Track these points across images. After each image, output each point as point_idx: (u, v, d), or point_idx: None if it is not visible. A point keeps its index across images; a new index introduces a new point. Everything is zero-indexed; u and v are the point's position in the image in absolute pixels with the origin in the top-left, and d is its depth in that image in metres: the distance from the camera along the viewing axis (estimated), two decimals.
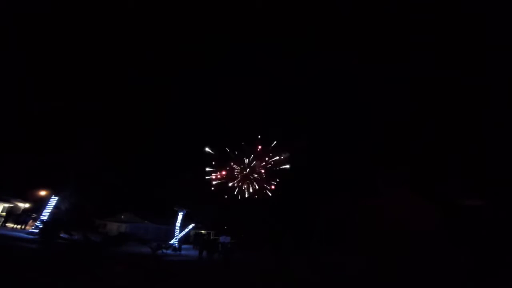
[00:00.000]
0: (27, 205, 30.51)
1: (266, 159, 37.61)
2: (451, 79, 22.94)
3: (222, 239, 28.86)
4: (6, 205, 29.72)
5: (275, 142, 36.60)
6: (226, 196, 36.07)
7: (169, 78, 33.07)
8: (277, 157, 37.32)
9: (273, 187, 36.75)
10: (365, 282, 2.42)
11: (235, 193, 37.48)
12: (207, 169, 37.24)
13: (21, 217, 25.96)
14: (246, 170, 37.90)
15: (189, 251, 24.57)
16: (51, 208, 23.07)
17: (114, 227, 27.37)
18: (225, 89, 32.86)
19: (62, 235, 18.58)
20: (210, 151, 36.34)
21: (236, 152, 37.96)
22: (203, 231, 32.71)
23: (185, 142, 35.94)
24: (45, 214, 22.61)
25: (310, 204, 26.92)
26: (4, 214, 27.76)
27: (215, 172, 37.42)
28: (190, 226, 28.95)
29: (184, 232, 27.92)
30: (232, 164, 38.17)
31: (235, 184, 37.84)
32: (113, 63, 31.22)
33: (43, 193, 29.12)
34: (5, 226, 25.08)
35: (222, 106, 34.29)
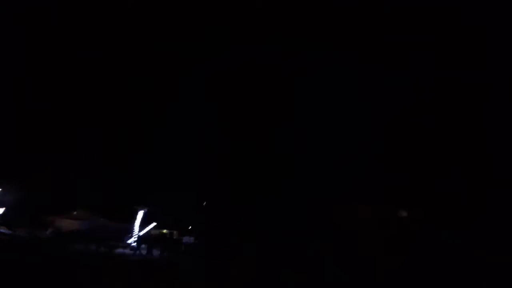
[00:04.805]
0: None
1: None
2: (451, 79, 23.78)
3: (185, 239, 27.84)
4: None
5: None
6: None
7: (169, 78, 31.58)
8: None
9: None
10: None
11: None
12: None
13: None
14: None
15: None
16: None
17: (65, 224, 24.97)
18: (224, 89, 31.97)
19: (1, 230, 16.62)
20: None
21: None
22: (165, 231, 31.29)
23: (157, 139, 34.29)
24: None
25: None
26: None
27: None
28: (151, 225, 27.59)
29: (144, 231, 26.54)
30: None
31: None
32: (112, 62, 29.33)
33: None
34: None
35: (220, 106, 33.26)
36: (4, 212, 21.44)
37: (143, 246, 22.54)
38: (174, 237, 27.94)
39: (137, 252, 21.49)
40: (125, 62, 28.87)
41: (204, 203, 31.06)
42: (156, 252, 21.21)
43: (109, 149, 33.99)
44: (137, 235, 24.95)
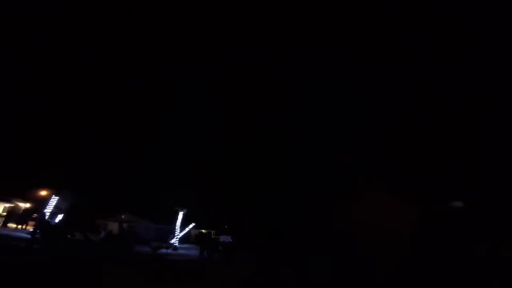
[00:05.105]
0: (27, 205, 30.54)
1: None
2: (451, 79, 22.91)
3: (222, 238, 28.92)
4: (7, 205, 29.78)
5: None
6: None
7: (170, 78, 32.88)
8: None
9: None
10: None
11: None
12: None
13: (22, 217, 25.99)
14: None
15: (190, 251, 24.61)
16: (52, 208, 23.10)
17: (114, 227, 27.38)
18: (223, 89, 32.70)
19: (62, 235, 18.70)
20: None
21: None
22: (203, 231, 32.81)
23: (186, 142, 35.85)
24: (45, 214, 22.64)
25: (302, 203, 26.90)
26: (5, 214, 27.80)
27: None
28: (191, 226, 28.99)
29: (184, 232, 27.97)
30: None
31: None
32: (113, 62, 31.09)
33: (43, 193, 29.19)
34: (6, 226, 25.12)
35: (221, 106, 34.11)
36: (63, 218, 23.98)
37: (184, 246, 23.95)
38: (212, 237, 29.20)
39: (177, 252, 22.99)
40: (125, 62, 29.77)
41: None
42: (195, 252, 22.41)
43: (150, 155, 36.10)
44: (178, 236, 26.43)
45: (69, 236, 17.86)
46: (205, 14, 27.98)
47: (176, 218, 27.41)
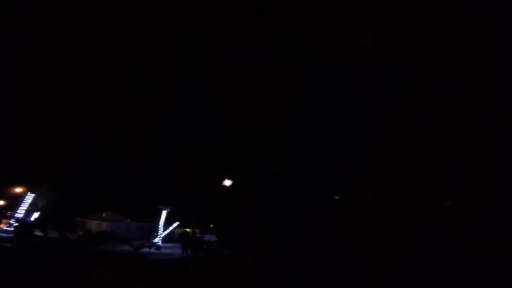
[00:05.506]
0: (1, 202, 29.10)
1: None
2: (451, 79, 23.21)
3: (207, 237, 28.46)
4: None
5: None
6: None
7: (170, 78, 32.40)
8: None
9: None
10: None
11: None
12: None
13: None
14: None
15: (174, 250, 24.00)
16: (27, 206, 22.04)
17: (94, 225, 26.42)
18: (223, 89, 32.37)
19: (36, 233, 17.81)
20: None
21: None
22: (188, 229, 32.23)
23: (172, 141, 35.21)
24: (20, 212, 21.60)
25: (293, 204, 26.81)
26: None
27: None
28: (175, 225, 28.38)
29: (168, 230, 27.35)
30: None
31: None
32: (113, 62, 30.33)
33: (18, 190, 27.85)
34: None
35: (220, 107, 33.74)
36: (39, 216, 22.92)
37: (168, 244, 23.28)
38: (197, 236, 28.67)
39: (160, 251, 22.35)
40: (125, 62, 29.29)
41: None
42: (179, 251, 21.86)
43: (135, 153, 35.20)
44: (161, 235, 25.77)
45: (43, 234, 17.01)
46: (205, 14, 27.62)
47: (160, 217, 26.80)
